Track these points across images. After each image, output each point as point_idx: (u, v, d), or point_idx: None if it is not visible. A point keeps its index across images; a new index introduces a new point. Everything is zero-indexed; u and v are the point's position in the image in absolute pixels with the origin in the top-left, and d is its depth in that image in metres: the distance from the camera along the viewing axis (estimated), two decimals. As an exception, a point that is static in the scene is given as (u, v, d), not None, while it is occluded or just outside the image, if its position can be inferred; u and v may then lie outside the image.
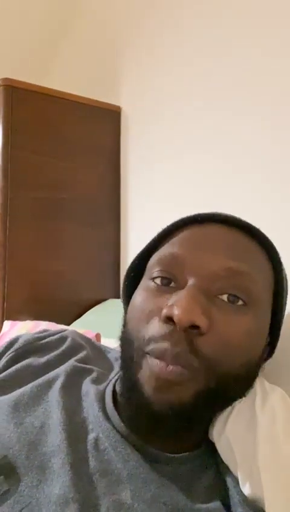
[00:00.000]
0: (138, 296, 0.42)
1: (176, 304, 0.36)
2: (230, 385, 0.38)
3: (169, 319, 0.36)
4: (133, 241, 1.31)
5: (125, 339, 0.42)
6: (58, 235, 1.26)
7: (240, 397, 0.41)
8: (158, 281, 0.40)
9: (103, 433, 0.39)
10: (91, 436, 0.39)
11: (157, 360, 0.36)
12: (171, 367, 0.36)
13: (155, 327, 0.38)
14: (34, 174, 1.23)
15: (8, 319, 1.13)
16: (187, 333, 0.36)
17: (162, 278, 0.40)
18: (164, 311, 0.36)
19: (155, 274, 0.41)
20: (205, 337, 0.36)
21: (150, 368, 0.37)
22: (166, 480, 0.37)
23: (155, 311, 0.38)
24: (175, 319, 0.35)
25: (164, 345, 0.36)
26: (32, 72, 1.72)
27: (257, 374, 0.43)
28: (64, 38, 1.77)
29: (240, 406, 0.41)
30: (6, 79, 1.22)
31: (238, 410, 0.41)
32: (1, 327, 1.11)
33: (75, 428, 0.40)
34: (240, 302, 0.38)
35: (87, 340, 0.56)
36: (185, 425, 0.39)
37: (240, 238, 0.41)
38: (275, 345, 0.45)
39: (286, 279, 0.45)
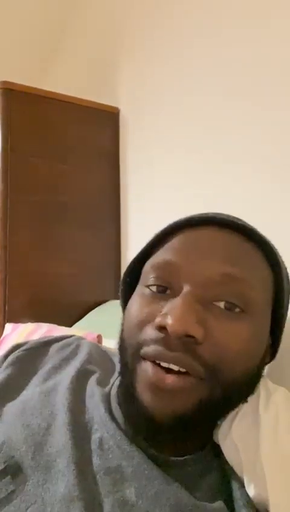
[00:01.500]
0: (133, 303, 0.41)
1: (170, 313, 0.35)
2: (234, 393, 0.38)
3: (163, 328, 0.35)
4: (133, 242, 1.31)
5: (121, 346, 0.41)
6: (59, 237, 1.26)
7: (243, 402, 0.41)
8: (153, 288, 0.40)
9: (107, 433, 0.39)
10: (96, 436, 0.39)
11: (153, 364, 0.36)
12: (170, 376, 0.35)
13: (147, 332, 0.37)
14: (34, 177, 1.24)
15: (9, 321, 1.13)
16: (182, 342, 0.35)
17: (157, 285, 0.39)
18: (157, 320, 0.36)
19: (150, 281, 0.40)
20: (203, 346, 0.35)
21: (146, 374, 0.36)
22: (170, 478, 0.37)
23: (149, 319, 0.38)
24: (169, 328, 0.34)
25: (158, 347, 0.36)
26: (31, 74, 1.72)
27: (260, 379, 0.43)
28: (62, 41, 1.77)
29: (244, 407, 0.41)
30: (4, 82, 1.22)
31: (242, 412, 0.41)
32: (2, 330, 1.11)
33: (80, 429, 0.40)
34: (237, 309, 0.37)
35: (92, 344, 0.56)
36: (188, 433, 0.38)
37: (235, 241, 0.40)
38: (277, 347, 0.45)
39: (287, 279, 0.44)
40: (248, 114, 0.89)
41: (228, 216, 0.42)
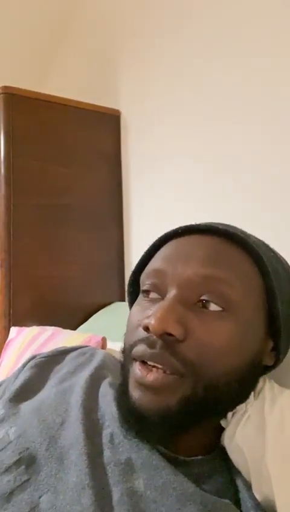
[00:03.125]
0: (133, 310, 0.45)
1: (153, 315, 0.38)
2: (221, 392, 0.39)
3: (147, 328, 0.39)
4: (137, 244, 1.32)
5: (122, 350, 0.45)
6: (62, 240, 1.26)
7: (239, 402, 0.42)
8: (146, 294, 0.43)
9: (118, 428, 0.41)
10: (107, 432, 0.42)
11: (141, 364, 0.39)
12: (154, 373, 0.38)
13: (137, 334, 0.41)
14: (36, 181, 1.24)
15: (14, 325, 1.13)
16: (164, 340, 0.38)
17: (149, 291, 0.43)
18: (144, 321, 0.39)
19: (144, 288, 0.44)
20: (184, 344, 0.38)
21: (135, 373, 0.40)
22: (177, 470, 0.38)
23: (140, 322, 0.41)
24: (150, 328, 0.38)
25: (143, 346, 0.39)
26: (31, 78, 1.73)
27: (256, 380, 0.43)
28: (63, 44, 1.78)
29: (250, 411, 0.41)
30: (6, 87, 1.23)
31: (248, 415, 0.41)
32: (8, 334, 1.11)
33: (92, 424, 0.42)
34: (218, 308, 0.39)
35: (106, 353, 0.59)
36: (176, 429, 0.39)
37: (218, 246, 0.42)
38: (279, 351, 0.44)
39: (277, 278, 0.43)
40: (250, 115, 0.89)
41: (214, 224, 0.44)
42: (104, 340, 0.87)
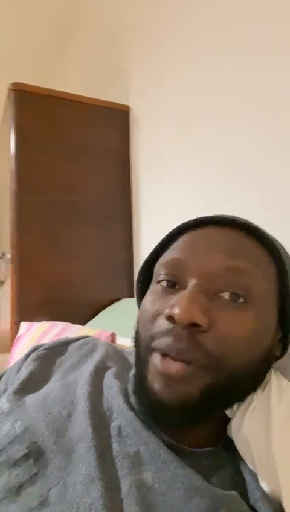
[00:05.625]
0: (147, 299, 0.44)
1: (177, 304, 0.38)
2: (240, 382, 0.39)
3: (171, 318, 0.38)
4: (145, 240, 1.32)
5: (135, 339, 0.44)
6: (71, 237, 1.27)
7: (250, 393, 0.42)
8: (164, 283, 0.43)
9: (126, 421, 0.42)
10: (115, 424, 0.42)
11: (162, 356, 0.39)
12: (176, 365, 0.38)
13: (159, 325, 0.40)
14: (45, 178, 1.25)
15: (24, 320, 1.14)
16: (189, 331, 0.38)
17: (167, 280, 0.43)
18: (166, 311, 0.39)
19: (161, 278, 0.43)
20: (207, 335, 0.38)
21: (155, 365, 0.39)
22: (185, 464, 0.38)
23: (160, 311, 0.41)
24: (176, 317, 0.37)
25: (168, 340, 0.39)
26: (40, 75, 1.74)
27: (268, 370, 0.44)
28: (71, 40, 1.78)
29: (256, 403, 0.41)
30: (16, 83, 1.23)
31: (254, 407, 0.41)
32: (18, 329, 1.12)
33: (100, 417, 0.42)
34: (241, 300, 0.39)
35: (108, 344, 0.59)
36: (197, 418, 0.40)
37: (237, 238, 0.43)
38: (287, 341, 0.45)
39: None
40: (262, 111, 0.88)
41: (231, 216, 0.45)
42: (113, 335, 0.87)
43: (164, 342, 0.39)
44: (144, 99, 1.32)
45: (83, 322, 1.17)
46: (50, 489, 0.36)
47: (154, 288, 0.44)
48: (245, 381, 0.40)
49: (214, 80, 1.01)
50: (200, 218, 0.45)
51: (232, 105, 0.95)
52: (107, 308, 1.26)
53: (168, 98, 1.19)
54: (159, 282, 0.43)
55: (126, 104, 1.38)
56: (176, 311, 0.37)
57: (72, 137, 1.30)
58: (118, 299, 1.29)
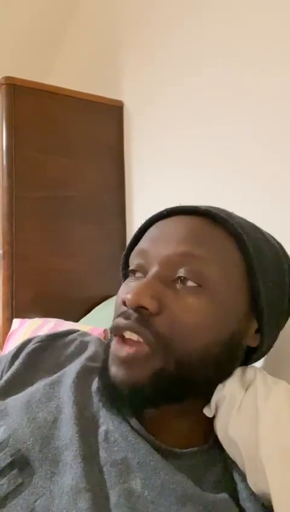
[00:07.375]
0: (119, 290, 0.46)
1: (130, 291, 0.40)
2: (194, 369, 0.40)
3: (124, 303, 0.41)
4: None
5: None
6: (64, 232, 1.26)
7: (213, 384, 0.42)
8: (133, 274, 0.45)
9: (113, 425, 0.41)
10: (102, 429, 0.41)
11: (117, 341, 0.41)
12: (127, 348, 0.39)
13: (118, 311, 0.43)
14: (39, 173, 1.24)
15: (16, 317, 1.13)
16: (138, 313, 0.40)
17: (134, 270, 0.45)
18: (121, 297, 0.42)
19: (131, 268, 0.46)
20: (158, 318, 0.39)
21: (112, 349, 0.41)
22: (175, 469, 0.37)
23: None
24: (127, 302, 0.40)
25: (119, 320, 0.41)
26: (34, 69, 1.72)
27: (234, 360, 0.43)
28: (65, 35, 1.76)
29: (242, 401, 0.41)
30: (8, 77, 1.22)
31: (239, 406, 0.40)
32: (10, 325, 1.12)
33: (86, 422, 0.41)
34: (193, 284, 0.40)
35: (98, 341, 0.58)
36: (146, 404, 0.40)
37: (198, 225, 0.43)
38: (263, 333, 0.44)
39: (258, 259, 0.43)
40: (258, 107, 0.88)
41: (197, 205, 0.45)
42: (106, 332, 0.87)
43: (116, 321, 0.41)
44: (138, 95, 1.31)
45: (76, 319, 1.16)
46: (36, 500, 0.35)
47: (127, 279, 0.46)
48: (202, 370, 0.40)
49: (209, 75, 1.00)
50: (168, 208, 0.47)
51: (228, 100, 0.95)
52: (100, 305, 1.25)
53: (161, 93, 1.18)
54: (130, 272, 0.45)
55: (120, 99, 1.37)
56: (128, 296, 0.39)
57: (66, 132, 1.28)
58: (111, 295, 1.28)
